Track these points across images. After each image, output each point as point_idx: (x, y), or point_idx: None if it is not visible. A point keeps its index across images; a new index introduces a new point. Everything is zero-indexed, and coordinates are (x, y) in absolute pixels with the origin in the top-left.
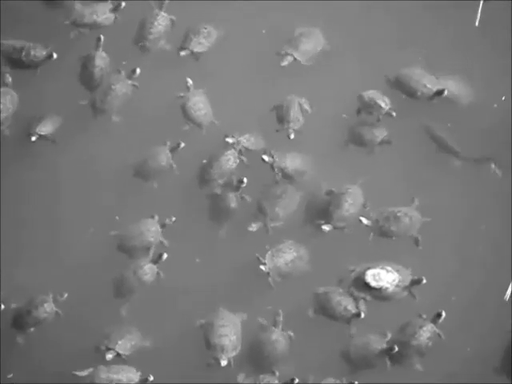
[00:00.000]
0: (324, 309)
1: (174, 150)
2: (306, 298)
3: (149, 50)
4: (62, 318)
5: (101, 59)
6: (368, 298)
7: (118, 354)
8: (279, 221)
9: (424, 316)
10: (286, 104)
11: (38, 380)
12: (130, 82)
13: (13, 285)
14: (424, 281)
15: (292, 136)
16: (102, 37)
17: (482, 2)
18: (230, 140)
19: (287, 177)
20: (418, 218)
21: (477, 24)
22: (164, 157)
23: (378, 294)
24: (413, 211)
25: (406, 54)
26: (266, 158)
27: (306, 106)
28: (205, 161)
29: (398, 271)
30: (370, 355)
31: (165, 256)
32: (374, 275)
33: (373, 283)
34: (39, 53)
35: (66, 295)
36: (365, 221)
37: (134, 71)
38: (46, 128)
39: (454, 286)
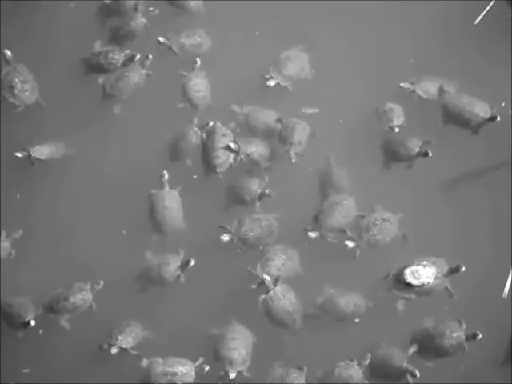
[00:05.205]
0: (331, 314)
1: (203, 128)
2: (306, 300)
3: (191, 10)
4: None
5: (137, 22)
6: (413, 296)
7: (122, 349)
8: (244, 246)
9: (464, 325)
10: (291, 126)
11: (53, 376)
12: (144, 71)
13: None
14: (463, 268)
15: (293, 161)
16: (152, 9)
17: (492, 2)
18: (232, 145)
19: (253, 162)
20: (394, 218)
21: (476, 22)
22: (193, 134)
23: (421, 290)
24: (385, 213)
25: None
26: (232, 145)
27: (310, 110)
28: (195, 176)
29: (434, 263)
30: (388, 368)
31: (192, 263)
32: (412, 273)
33: (414, 281)
34: (118, 55)
35: (102, 283)
36: (351, 244)
37: (146, 57)
38: (41, 152)
39: (453, 284)
